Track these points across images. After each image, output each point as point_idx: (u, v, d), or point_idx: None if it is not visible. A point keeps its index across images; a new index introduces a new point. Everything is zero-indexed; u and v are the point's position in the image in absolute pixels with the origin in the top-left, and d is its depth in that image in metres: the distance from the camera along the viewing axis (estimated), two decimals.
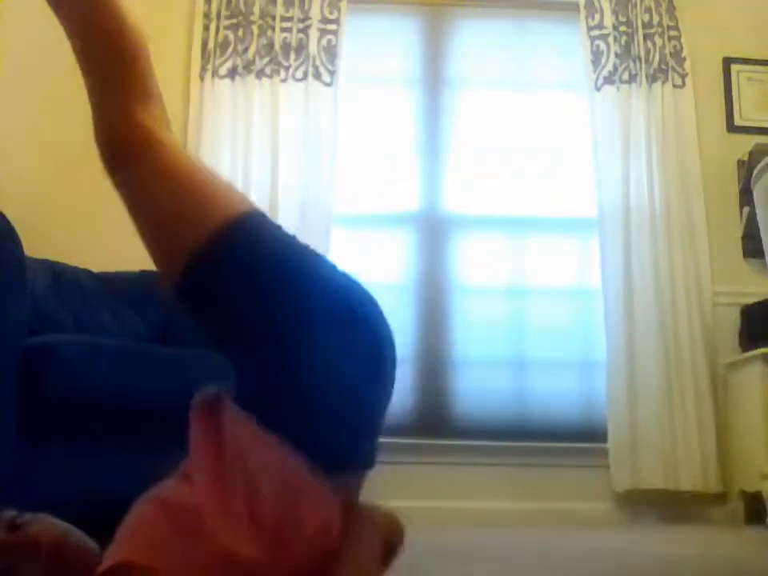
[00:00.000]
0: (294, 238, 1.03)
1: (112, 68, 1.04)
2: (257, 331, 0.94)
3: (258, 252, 0.97)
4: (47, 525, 0.95)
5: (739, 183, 3.50)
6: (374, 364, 0.98)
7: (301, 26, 3.46)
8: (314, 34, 3.46)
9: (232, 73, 3.40)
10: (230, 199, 1.01)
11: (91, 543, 0.96)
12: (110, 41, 1.04)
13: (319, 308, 0.95)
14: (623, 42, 3.55)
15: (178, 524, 0.87)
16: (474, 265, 3.51)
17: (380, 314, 1.02)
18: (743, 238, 3.46)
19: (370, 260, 3.44)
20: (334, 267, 1.03)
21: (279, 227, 1.03)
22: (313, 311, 0.94)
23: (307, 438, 0.90)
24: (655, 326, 3.28)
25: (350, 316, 0.98)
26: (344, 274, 1.02)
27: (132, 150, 0.99)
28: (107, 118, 1.02)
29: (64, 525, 0.97)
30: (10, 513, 0.95)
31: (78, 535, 0.96)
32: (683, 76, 3.54)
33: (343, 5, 3.50)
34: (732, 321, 3.33)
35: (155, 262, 1.01)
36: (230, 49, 3.42)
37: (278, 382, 0.91)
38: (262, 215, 1.02)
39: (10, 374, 1.58)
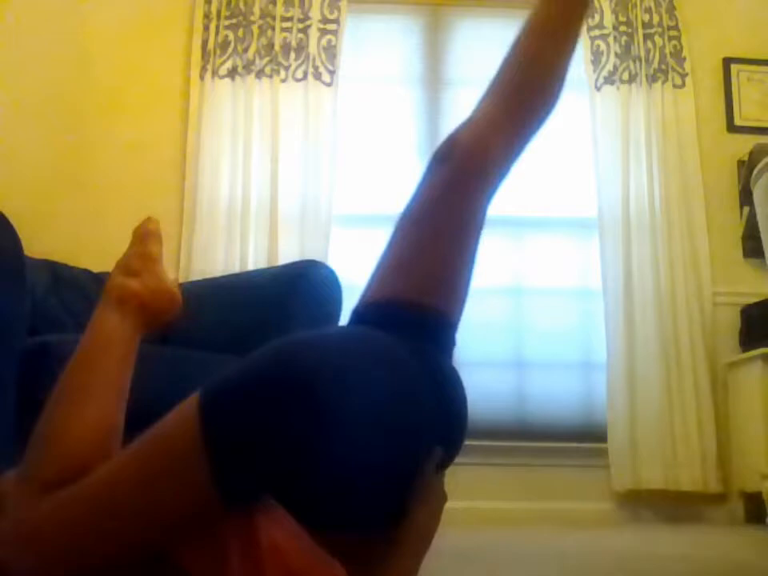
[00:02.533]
0: None
1: None
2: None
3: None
4: None
5: (739, 183, 3.49)
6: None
7: (301, 26, 3.46)
8: (313, 33, 3.46)
9: (232, 73, 3.40)
10: None
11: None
12: None
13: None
14: (623, 42, 3.55)
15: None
16: None
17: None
18: (743, 238, 3.46)
19: (370, 260, 3.42)
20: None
21: None
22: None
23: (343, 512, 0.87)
24: (655, 326, 3.28)
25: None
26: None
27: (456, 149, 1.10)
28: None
29: None
30: None
31: None
32: (683, 76, 3.54)
33: (343, 5, 3.50)
34: (732, 321, 3.32)
35: None
36: (230, 49, 3.41)
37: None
38: None
39: (10, 374, 1.57)
